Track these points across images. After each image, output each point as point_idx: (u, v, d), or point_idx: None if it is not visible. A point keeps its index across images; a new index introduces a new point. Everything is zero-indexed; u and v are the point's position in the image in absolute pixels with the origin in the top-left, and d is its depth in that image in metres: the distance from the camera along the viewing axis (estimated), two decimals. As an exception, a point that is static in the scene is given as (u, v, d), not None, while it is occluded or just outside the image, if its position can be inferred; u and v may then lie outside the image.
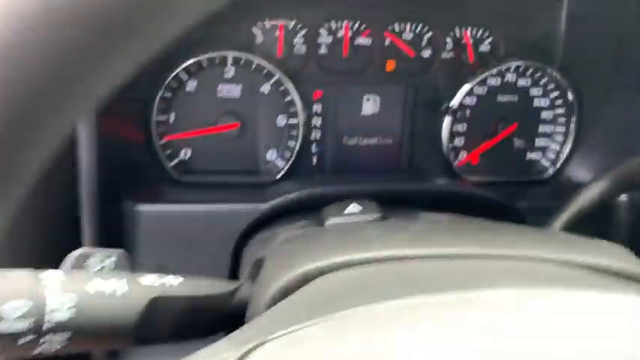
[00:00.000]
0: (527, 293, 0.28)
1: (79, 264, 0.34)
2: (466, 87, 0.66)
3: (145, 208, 0.54)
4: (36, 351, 0.31)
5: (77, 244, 0.49)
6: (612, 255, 0.40)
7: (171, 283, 0.36)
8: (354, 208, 0.46)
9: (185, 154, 0.64)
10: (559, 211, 0.54)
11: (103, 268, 0.34)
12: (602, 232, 0.63)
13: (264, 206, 0.55)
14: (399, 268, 0.35)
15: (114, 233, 0.52)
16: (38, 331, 0.30)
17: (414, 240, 0.39)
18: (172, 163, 0.63)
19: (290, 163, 0.65)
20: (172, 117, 0.63)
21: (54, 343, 0.31)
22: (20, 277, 0.30)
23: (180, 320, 0.36)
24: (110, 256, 0.34)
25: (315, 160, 0.67)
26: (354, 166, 0.68)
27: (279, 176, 0.65)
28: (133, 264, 0.35)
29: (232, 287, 0.39)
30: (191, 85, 0.62)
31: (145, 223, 0.54)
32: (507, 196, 0.64)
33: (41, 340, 0.30)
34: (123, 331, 0.33)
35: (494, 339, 0.23)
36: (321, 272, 0.35)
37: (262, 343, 0.25)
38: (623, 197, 0.63)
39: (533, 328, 0.24)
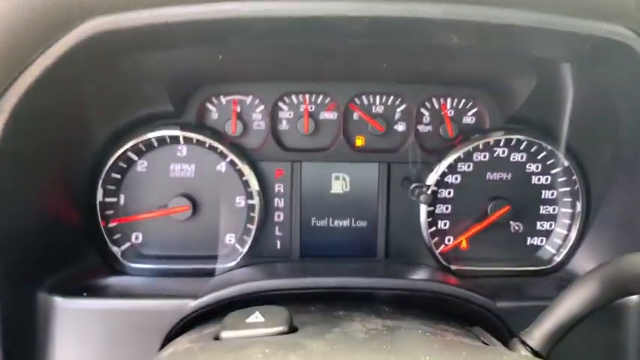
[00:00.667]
0: None
1: None
2: (445, 164, 0.58)
3: (64, 301, 0.50)
4: None
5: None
6: None
7: None
8: (256, 318, 0.39)
9: (136, 238, 0.60)
10: (539, 317, 0.44)
11: None
12: (610, 339, 0.52)
13: (192, 304, 0.49)
14: None
15: (23, 328, 0.48)
16: None
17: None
18: (122, 248, 0.59)
19: (247, 247, 0.59)
20: (122, 199, 0.59)
21: None
22: None
23: None
24: None
25: (278, 244, 0.61)
26: (323, 252, 0.61)
27: (236, 261, 0.59)
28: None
29: None
30: (142, 165, 0.59)
31: (63, 319, 0.49)
32: (504, 290, 0.54)
33: None
34: None
35: None
36: None
37: None
38: (634, 298, 0.51)
39: None
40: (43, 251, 0.52)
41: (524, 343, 0.44)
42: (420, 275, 0.55)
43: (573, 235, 0.60)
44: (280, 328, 0.39)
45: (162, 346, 0.49)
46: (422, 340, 0.37)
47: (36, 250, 0.51)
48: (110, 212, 0.59)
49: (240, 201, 0.60)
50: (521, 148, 0.60)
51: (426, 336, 0.38)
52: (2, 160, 0.44)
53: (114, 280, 0.56)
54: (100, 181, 0.58)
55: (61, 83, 0.43)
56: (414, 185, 0.58)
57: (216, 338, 0.40)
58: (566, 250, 0.60)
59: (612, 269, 0.42)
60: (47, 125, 0.48)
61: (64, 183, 0.56)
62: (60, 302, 0.50)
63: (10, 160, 0.44)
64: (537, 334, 0.47)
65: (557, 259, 0.61)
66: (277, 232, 0.62)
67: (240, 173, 0.59)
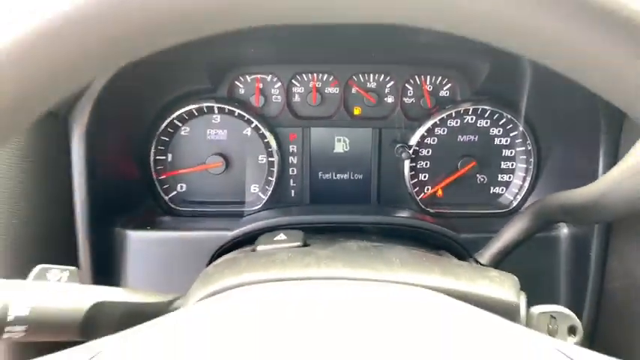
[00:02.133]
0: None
1: (41, 275, 0.45)
2: (423, 129, 0.73)
3: (134, 233, 0.66)
4: (4, 336, 0.42)
5: (71, 259, 0.61)
6: (495, 285, 0.46)
7: (115, 292, 0.47)
8: (281, 237, 0.56)
9: (181, 187, 0.76)
10: (488, 243, 0.60)
11: (59, 279, 0.46)
12: (545, 264, 0.68)
13: (230, 234, 0.65)
14: (290, 288, 0.43)
15: (105, 254, 0.64)
16: (3, 323, 0.42)
17: (312, 264, 0.48)
18: (169, 196, 0.75)
19: (269, 195, 0.75)
20: (170, 157, 0.75)
21: (14, 332, 0.43)
22: (-7, 285, 0.43)
23: (120, 322, 0.46)
24: (64, 271, 0.46)
25: (293, 192, 0.77)
26: (328, 198, 0.77)
27: (259, 205, 0.75)
28: (81, 279, 0.46)
29: (171, 298, 0.49)
30: (185, 131, 0.75)
31: (134, 246, 0.66)
32: (468, 226, 0.70)
33: (6, 329, 0.42)
34: (70, 328, 0.44)
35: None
36: (229, 289, 0.45)
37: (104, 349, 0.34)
38: (564, 229, 0.67)
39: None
40: (116, 199, 0.68)
41: (476, 261, 0.60)
42: (403, 214, 0.71)
43: (527, 184, 0.75)
44: (298, 243, 0.55)
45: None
46: (398, 251, 0.53)
47: (112, 198, 0.67)
48: (161, 168, 0.75)
49: (263, 159, 0.76)
50: (486, 115, 0.74)
51: (401, 250, 0.54)
52: (90, 134, 0.60)
53: (167, 219, 0.73)
54: (153, 144, 0.74)
55: (131, 72, 0.58)
56: (399, 145, 0.73)
57: (253, 251, 0.56)
58: (521, 196, 0.76)
59: (541, 204, 0.58)
60: (119, 104, 0.64)
61: (128, 147, 0.71)
62: (131, 234, 0.66)
63: (95, 132, 0.60)
64: (486, 255, 0.63)
65: (514, 203, 0.76)
66: (292, 184, 0.77)
67: (263, 136, 0.75)
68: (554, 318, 0.47)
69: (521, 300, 0.46)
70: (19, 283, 0.44)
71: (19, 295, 0.43)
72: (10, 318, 0.42)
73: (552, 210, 0.56)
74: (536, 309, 0.45)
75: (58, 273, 0.46)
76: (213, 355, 0.31)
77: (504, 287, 0.47)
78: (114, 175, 0.67)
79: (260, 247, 0.55)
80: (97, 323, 0.46)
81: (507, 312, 0.44)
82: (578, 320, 0.45)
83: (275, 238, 0.55)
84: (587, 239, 0.65)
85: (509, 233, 0.59)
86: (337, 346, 0.31)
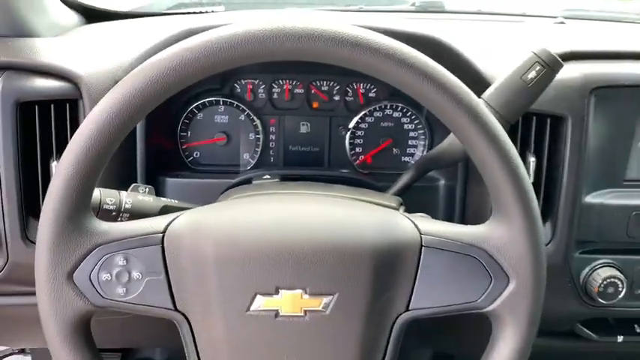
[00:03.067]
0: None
1: (134, 189, 0.82)
2: (357, 118, 1.12)
3: (171, 180, 1.04)
4: (118, 219, 0.79)
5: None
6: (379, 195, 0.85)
7: (174, 201, 0.84)
8: (266, 177, 0.94)
9: (196, 154, 1.13)
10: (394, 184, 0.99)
11: (144, 192, 0.82)
12: (428, 204, 1.06)
13: (234, 180, 1.03)
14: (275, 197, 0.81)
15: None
16: (119, 209, 0.78)
17: (287, 187, 0.86)
18: (189, 160, 1.13)
19: (256, 160, 1.13)
20: (189, 133, 1.12)
21: (124, 217, 0.79)
22: (113, 191, 0.79)
23: None
24: (147, 188, 0.83)
25: (272, 159, 1.14)
26: (296, 163, 1.15)
27: (249, 167, 1.13)
28: (155, 193, 0.84)
29: None
30: (200, 116, 1.12)
31: (171, 187, 1.03)
32: (388, 181, 1.08)
33: (120, 215, 0.79)
34: (151, 215, 0.80)
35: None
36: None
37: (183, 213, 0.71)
38: (441, 182, 1.06)
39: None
40: (159, 160, 1.05)
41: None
42: (343, 174, 1.09)
43: (424, 154, 1.15)
44: (278, 179, 0.93)
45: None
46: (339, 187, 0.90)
47: (159, 162, 1.04)
48: (183, 140, 1.12)
49: (252, 136, 1.11)
50: (399, 109, 1.11)
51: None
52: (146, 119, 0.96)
53: (188, 173, 1.10)
54: (179, 125, 1.11)
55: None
56: (341, 127, 1.11)
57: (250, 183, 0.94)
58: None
59: (421, 159, 0.97)
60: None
61: (163, 126, 1.09)
62: (169, 180, 1.03)
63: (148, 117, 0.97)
64: (392, 190, 1.01)
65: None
66: (271, 153, 1.13)
67: (252, 121, 1.10)
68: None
69: (401, 207, 0.85)
70: (123, 192, 0.81)
71: (124, 197, 0.80)
72: (123, 208, 0.79)
73: (425, 161, 0.96)
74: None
75: (143, 188, 0.83)
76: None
77: (388, 198, 0.85)
78: (156, 145, 1.05)
79: (255, 181, 0.93)
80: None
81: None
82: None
83: (264, 177, 0.94)
84: (454, 186, 1.05)
85: (403, 180, 0.98)
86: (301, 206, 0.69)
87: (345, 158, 1.12)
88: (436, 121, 1.11)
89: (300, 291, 0.64)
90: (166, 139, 1.08)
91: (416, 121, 1.12)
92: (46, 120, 0.87)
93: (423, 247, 0.63)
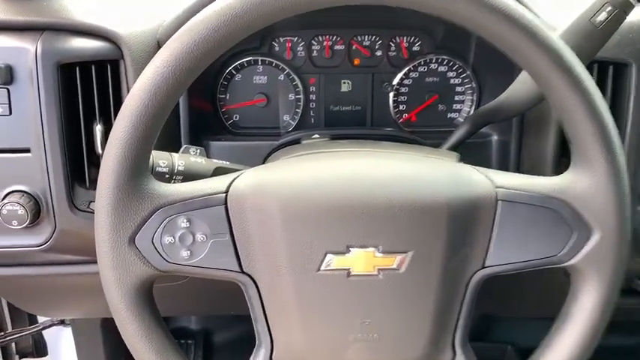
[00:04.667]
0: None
1: (185, 150, 0.79)
2: (401, 73, 1.07)
3: (214, 143, 1.01)
4: (171, 182, 0.76)
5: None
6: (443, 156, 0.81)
7: (226, 163, 0.81)
8: (316, 136, 0.90)
9: (235, 117, 1.10)
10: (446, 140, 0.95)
11: (195, 153, 0.79)
12: (480, 160, 1.03)
13: (280, 141, 1.00)
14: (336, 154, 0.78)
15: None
16: (172, 171, 0.75)
17: (342, 146, 0.83)
18: (229, 123, 1.09)
19: (296, 122, 1.09)
20: (227, 96, 1.08)
21: (177, 180, 0.76)
22: (165, 154, 0.76)
23: None
24: (198, 149, 0.80)
25: (312, 120, 1.11)
26: (338, 123, 1.11)
27: (290, 129, 1.10)
28: (207, 155, 0.81)
29: None
30: (238, 77, 1.08)
31: (213, 151, 1.00)
32: (432, 139, 1.04)
33: (173, 178, 0.76)
34: (204, 177, 0.77)
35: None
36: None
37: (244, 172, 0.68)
38: (494, 136, 1.02)
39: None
40: (200, 124, 1.02)
41: None
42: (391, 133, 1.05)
43: (471, 111, 1.10)
44: (328, 138, 0.89)
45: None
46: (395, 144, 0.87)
47: (200, 126, 1.00)
48: (222, 104, 1.08)
49: (292, 96, 1.08)
50: (444, 63, 1.07)
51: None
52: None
53: (231, 136, 1.07)
54: (218, 86, 1.07)
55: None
56: (385, 84, 1.07)
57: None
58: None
59: (474, 113, 0.93)
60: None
61: (202, 90, 1.05)
62: (212, 144, 1.01)
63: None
64: (445, 146, 0.97)
65: (464, 124, 1.11)
66: (312, 114, 1.10)
67: (292, 80, 1.07)
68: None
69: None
70: (175, 154, 0.78)
71: (176, 157, 0.77)
72: (175, 170, 0.76)
73: (481, 114, 0.92)
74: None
75: (194, 149, 0.80)
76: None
77: (446, 154, 0.82)
78: (197, 110, 1.01)
79: (303, 141, 0.89)
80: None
81: None
82: None
83: (313, 137, 0.90)
84: (508, 142, 1.01)
85: (456, 135, 0.94)
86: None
87: (389, 117, 1.09)
88: (485, 74, 1.07)
89: (372, 249, 0.61)
90: (206, 103, 1.05)
91: (463, 75, 1.07)
92: (87, 82, 0.84)
93: (499, 201, 0.60)
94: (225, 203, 0.63)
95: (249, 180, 0.65)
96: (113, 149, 0.58)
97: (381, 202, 0.60)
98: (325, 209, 0.60)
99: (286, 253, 0.61)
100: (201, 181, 0.65)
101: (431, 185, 0.62)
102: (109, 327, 1.33)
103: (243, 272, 0.63)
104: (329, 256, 0.60)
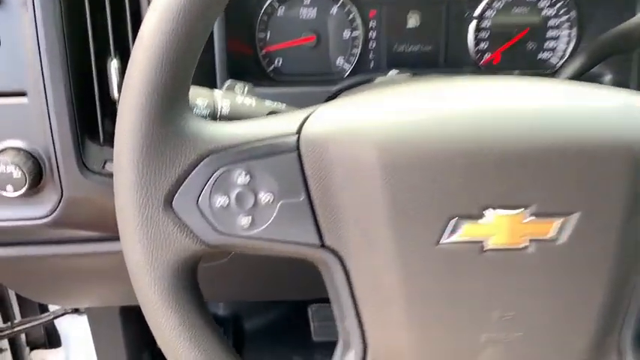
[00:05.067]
0: None
1: (230, 88, 0.60)
2: (484, 3, 0.87)
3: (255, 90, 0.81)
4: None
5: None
6: None
7: (282, 105, 0.62)
8: (393, 72, 0.71)
9: (278, 61, 0.90)
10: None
11: (243, 91, 0.60)
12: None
13: (334, 88, 0.80)
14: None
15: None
16: (214, 115, 0.56)
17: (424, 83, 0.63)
18: (270, 68, 0.89)
19: (353, 65, 0.90)
20: (268, 35, 0.89)
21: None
22: (204, 90, 0.57)
23: None
24: (246, 85, 0.60)
25: (372, 63, 0.91)
26: (404, 65, 0.91)
27: (345, 75, 0.90)
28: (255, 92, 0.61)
29: None
30: (280, 11, 0.88)
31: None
32: None
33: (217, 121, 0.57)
34: None
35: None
36: None
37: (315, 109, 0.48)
38: (608, 76, 0.82)
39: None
40: (238, 70, 0.83)
41: None
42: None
43: (569, 49, 0.90)
44: (408, 75, 0.70)
45: None
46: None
47: (238, 72, 0.81)
48: (262, 44, 0.89)
49: (347, 34, 0.89)
50: None
51: None
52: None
53: (273, 83, 0.88)
54: (257, 23, 0.87)
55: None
56: (467, 13, 0.87)
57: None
58: (564, 60, 0.90)
59: (594, 42, 0.72)
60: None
61: (240, 28, 0.85)
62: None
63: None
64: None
65: (558, 66, 0.90)
66: (371, 56, 0.91)
67: (348, 13, 0.88)
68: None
69: None
70: (217, 91, 0.59)
71: (220, 98, 0.58)
72: (219, 113, 0.57)
73: (605, 42, 0.71)
74: None
75: (241, 86, 0.61)
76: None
77: None
78: (235, 53, 0.82)
79: (377, 79, 0.70)
80: None
81: None
82: None
83: (389, 74, 0.70)
84: (625, 82, 0.81)
85: (572, 67, 0.74)
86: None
87: (467, 57, 0.89)
88: (588, 2, 0.85)
89: (520, 210, 0.42)
90: (244, 45, 0.85)
91: (559, 4, 0.86)
92: (99, 11, 0.65)
93: None
94: (298, 149, 0.44)
95: (329, 118, 0.45)
96: (139, 71, 0.39)
97: (532, 145, 0.40)
98: (448, 155, 0.41)
99: (390, 219, 0.42)
100: (263, 118, 0.46)
101: (604, 121, 0.43)
102: (130, 314, 1.14)
103: (324, 247, 0.44)
104: (454, 221, 0.41)
